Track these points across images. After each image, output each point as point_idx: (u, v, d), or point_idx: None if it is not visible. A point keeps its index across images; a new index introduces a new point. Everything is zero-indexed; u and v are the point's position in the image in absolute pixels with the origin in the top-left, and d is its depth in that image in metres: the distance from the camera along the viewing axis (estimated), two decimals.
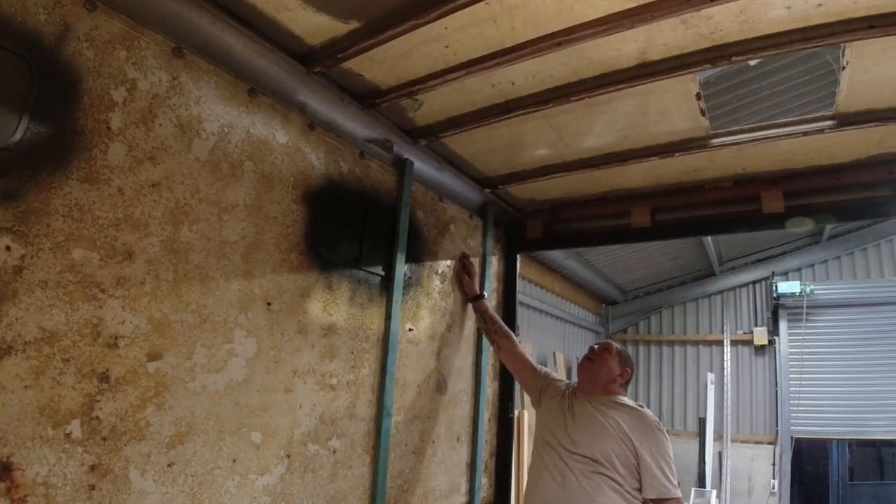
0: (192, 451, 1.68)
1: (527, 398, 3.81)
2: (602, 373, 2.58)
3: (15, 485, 1.28)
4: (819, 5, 1.71)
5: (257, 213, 1.95)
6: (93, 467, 1.44)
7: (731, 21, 1.80)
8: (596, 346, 2.70)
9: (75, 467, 1.40)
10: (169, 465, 1.62)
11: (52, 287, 1.38)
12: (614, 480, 2.29)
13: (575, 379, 2.78)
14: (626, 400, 2.56)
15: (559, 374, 9.22)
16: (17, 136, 1.35)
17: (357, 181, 2.42)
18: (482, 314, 3.09)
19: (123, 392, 1.51)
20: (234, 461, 1.81)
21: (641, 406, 2.53)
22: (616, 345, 2.72)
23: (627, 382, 2.65)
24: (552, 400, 2.67)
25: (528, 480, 2.58)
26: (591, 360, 2.63)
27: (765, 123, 2.44)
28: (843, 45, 1.89)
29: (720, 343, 11.24)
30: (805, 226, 2.84)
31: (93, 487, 1.43)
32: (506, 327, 3.04)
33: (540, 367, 2.94)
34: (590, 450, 2.35)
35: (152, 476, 1.57)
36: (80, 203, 1.45)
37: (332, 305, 2.24)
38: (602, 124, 2.51)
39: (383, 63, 2.10)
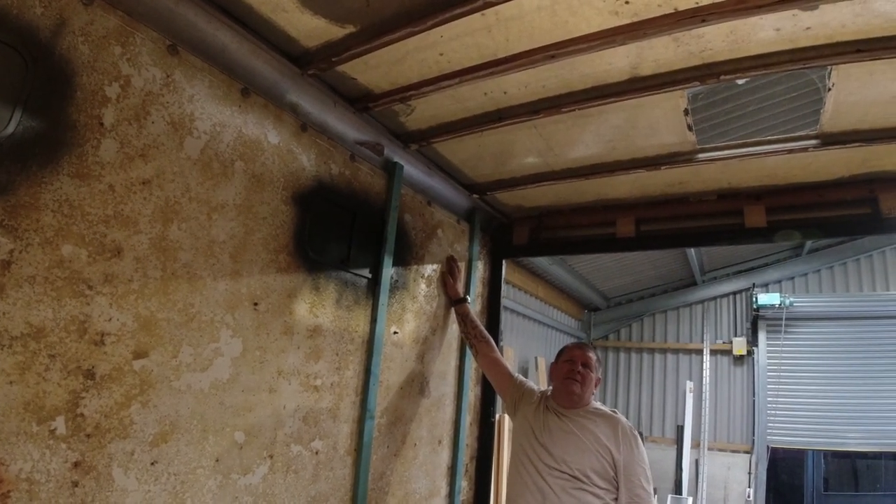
0: (176, 450, 1.68)
1: None
2: (588, 392, 2.57)
3: None
4: (808, 28, 1.75)
5: (247, 213, 1.95)
6: (76, 464, 1.43)
7: (722, 41, 1.84)
8: (581, 365, 2.57)
9: (59, 464, 1.39)
10: (152, 464, 1.61)
11: (40, 282, 1.38)
12: (594, 495, 2.31)
13: (550, 387, 2.75)
14: (601, 406, 2.58)
15: (540, 378, 9.26)
16: (10, 129, 1.35)
17: (347, 183, 2.43)
18: (463, 317, 3.08)
19: (108, 389, 1.51)
20: (217, 461, 1.81)
21: (615, 412, 2.54)
22: (593, 354, 2.65)
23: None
24: (528, 409, 2.66)
25: (508, 496, 2.58)
26: (578, 383, 2.53)
27: (750, 140, 2.48)
28: (829, 67, 1.93)
29: (700, 352, 11.36)
30: (787, 239, 2.90)
31: (76, 484, 1.43)
32: (486, 332, 3.04)
33: (516, 375, 2.93)
34: (568, 466, 2.37)
35: (135, 474, 1.57)
36: (70, 198, 1.45)
37: (319, 307, 2.24)
38: (591, 135, 2.54)
39: (377, 68, 2.11)
